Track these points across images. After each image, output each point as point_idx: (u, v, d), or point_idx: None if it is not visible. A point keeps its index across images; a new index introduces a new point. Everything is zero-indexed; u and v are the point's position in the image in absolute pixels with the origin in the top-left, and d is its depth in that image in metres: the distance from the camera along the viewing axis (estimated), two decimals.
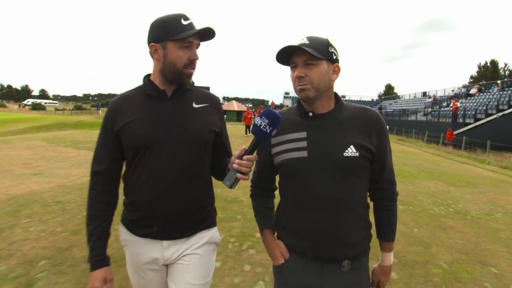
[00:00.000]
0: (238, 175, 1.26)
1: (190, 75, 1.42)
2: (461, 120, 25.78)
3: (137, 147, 1.40)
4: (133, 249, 1.48)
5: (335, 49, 1.36)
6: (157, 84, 1.45)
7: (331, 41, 1.35)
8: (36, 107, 67.60)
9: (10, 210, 4.64)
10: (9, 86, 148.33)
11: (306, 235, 1.34)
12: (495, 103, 25.55)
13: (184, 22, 1.36)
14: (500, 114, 24.13)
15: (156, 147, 1.39)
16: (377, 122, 1.36)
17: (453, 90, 36.08)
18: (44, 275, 2.96)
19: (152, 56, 1.44)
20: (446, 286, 3.14)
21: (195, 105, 1.49)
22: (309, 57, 1.28)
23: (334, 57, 1.34)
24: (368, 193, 1.45)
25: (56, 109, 66.10)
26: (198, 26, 1.41)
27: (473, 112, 25.68)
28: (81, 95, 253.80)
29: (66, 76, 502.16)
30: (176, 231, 1.44)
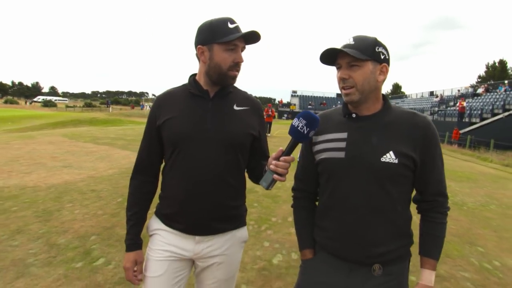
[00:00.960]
0: (275, 176, 1.28)
1: (235, 77, 1.46)
2: (467, 120, 26.06)
3: (175, 143, 1.44)
4: (164, 239, 1.50)
5: (384, 48, 1.31)
6: (202, 84, 1.50)
7: (381, 42, 1.31)
8: (47, 104, 68.99)
9: (53, 196, 5.24)
10: (20, 83, 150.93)
11: (337, 236, 1.34)
12: (502, 102, 25.79)
13: (230, 26, 1.40)
14: (506, 114, 24.38)
15: (193, 145, 1.43)
16: (425, 129, 1.29)
17: (459, 90, 36.26)
18: (97, 246, 3.55)
19: (199, 58, 1.48)
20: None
21: (235, 107, 1.52)
22: (353, 59, 1.26)
23: (382, 57, 1.29)
24: (415, 205, 1.40)
25: (67, 106, 67.42)
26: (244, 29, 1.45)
27: (479, 112, 25.94)
28: (89, 92, 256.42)
29: (75, 73, 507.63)
30: (207, 228, 1.48)
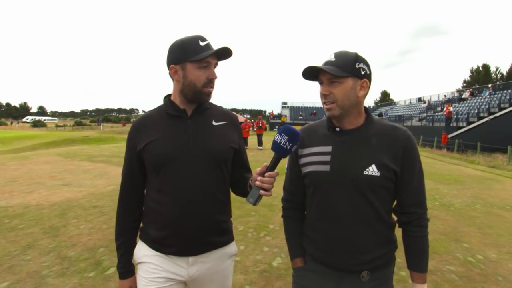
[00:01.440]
0: (261, 192, 1.29)
1: (209, 93, 1.47)
2: (454, 124, 26.72)
3: (159, 165, 1.44)
4: (155, 266, 1.47)
5: (365, 63, 1.35)
6: (178, 104, 1.50)
7: (361, 55, 1.36)
8: (37, 124, 68.55)
9: (57, 213, 5.42)
10: (8, 104, 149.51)
11: (325, 246, 1.38)
12: (486, 106, 26.57)
13: (201, 43, 1.41)
14: (492, 117, 25.13)
15: (178, 165, 1.43)
16: (405, 142, 1.34)
17: (445, 95, 37.17)
18: (106, 257, 3.75)
19: (172, 78, 1.49)
20: None
21: (214, 123, 1.54)
22: (333, 75, 1.30)
23: (363, 72, 1.33)
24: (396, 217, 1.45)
25: (57, 126, 67.07)
26: (214, 43, 1.47)
27: (466, 116, 26.64)
28: (78, 111, 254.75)
29: (63, 92, 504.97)
30: (200, 247, 1.48)
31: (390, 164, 1.31)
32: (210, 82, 1.45)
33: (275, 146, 1.30)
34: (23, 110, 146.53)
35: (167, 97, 1.56)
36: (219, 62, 1.51)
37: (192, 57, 1.39)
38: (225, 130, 1.55)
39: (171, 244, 1.46)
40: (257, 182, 1.29)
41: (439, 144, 21.94)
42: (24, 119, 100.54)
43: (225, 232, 1.57)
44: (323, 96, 1.35)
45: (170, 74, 1.49)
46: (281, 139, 1.29)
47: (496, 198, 7.31)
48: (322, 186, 1.38)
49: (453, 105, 31.38)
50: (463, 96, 34.06)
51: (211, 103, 1.59)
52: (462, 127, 25.71)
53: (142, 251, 1.52)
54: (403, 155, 1.32)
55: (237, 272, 3.47)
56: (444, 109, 29.35)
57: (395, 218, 1.43)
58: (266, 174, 1.29)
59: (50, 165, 10.77)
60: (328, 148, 1.38)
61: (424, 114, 34.59)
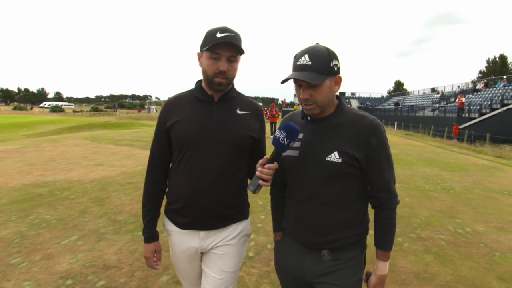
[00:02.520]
0: (260, 181, 1.37)
1: (221, 83, 1.53)
2: (466, 115, 26.83)
3: (182, 144, 1.55)
4: (175, 239, 1.66)
5: (336, 58, 1.38)
6: (206, 89, 1.60)
7: (330, 50, 1.38)
8: (55, 109, 70.31)
9: (99, 187, 6.20)
10: (26, 90, 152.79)
11: (292, 223, 1.52)
12: (500, 98, 26.56)
13: (218, 35, 1.46)
14: (504, 108, 25.15)
15: (199, 146, 1.53)
16: (371, 130, 1.39)
17: (459, 86, 37.01)
18: None
19: None
20: (421, 228, 4.58)
21: (239, 111, 1.63)
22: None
23: (336, 69, 1.38)
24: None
25: (74, 111, 68.69)
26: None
27: (478, 107, 26.69)
28: (93, 97, 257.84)
29: (78, 78, 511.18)
30: (211, 223, 1.59)
31: (352, 151, 1.36)
32: (220, 73, 1.50)
33: (275, 141, 1.38)
34: (41, 95, 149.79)
35: (199, 82, 1.65)
36: None
37: (205, 47, 1.49)
38: (248, 119, 1.63)
39: (184, 215, 1.59)
40: (257, 173, 1.38)
41: (450, 135, 22.20)
42: (42, 105, 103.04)
43: (236, 213, 1.66)
44: (304, 100, 1.39)
45: None
46: (280, 135, 1.36)
47: (495, 184, 7.82)
48: (292, 169, 1.49)
49: (467, 96, 31.37)
50: (477, 87, 33.91)
51: (239, 93, 1.69)
52: (474, 118, 25.83)
53: (166, 225, 1.71)
54: (367, 143, 1.38)
55: (259, 234, 4.16)
56: (457, 100, 29.40)
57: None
58: (266, 166, 1.37)
59: (80, 148, 11.64)
60: (300, 135, 1.46)
61: (437, 105, 34.60)
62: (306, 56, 1.35)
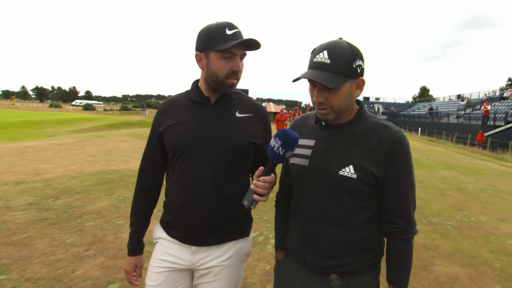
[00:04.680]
0: (255, 196, 1.23)
1: (232, 85, 1.41)
2: (492, 123, 26.88)
3: (175, 150, 1.44)
4: (164, 247, 1.51)
5: (360, 58, 1.18)
6: (203, 91, 1.47)
7: (355, 47, 1.18)
8: (88, 107, 73.75)
9: None
10: (59, 88, 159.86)
11: (297, 243, 1.34)
12: None
13: (228, 32, 1.34)
14: None
15: (192, 152, 1.41)
16: (392, 145, 1.19)
17: (486, 94, 36.78)
18: None
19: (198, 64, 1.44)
20: (432, 216, 5.47)
21: (238, 115, 1.48)
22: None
23: (359, 70, 1.18)
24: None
25: (105, 110, 71.76)
26: (244, 32, 1.38)
27: (504, 115, 26.70)
28: (120, 96, 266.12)
29: (106, 78, 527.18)
30: (204, 238, 1.45)
31: (370, 167, 1.19)
32: (234, 73, 1.39)
33: (270, 150, 1.22)
34: (72, 94, 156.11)
35: (195, 83, 1.53)
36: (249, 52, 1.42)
37: (216, 46, 1.34)
38: (249, 123, 1.49)
39: (176, 228, 1.47)
40: (252, 186, 1.24)
41: (472, 142, 22.48)
42: (73, 102, 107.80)
43: (233, 229, 1.50)
44: (318, 103, 1.22)
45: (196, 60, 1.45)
46: (275, 144, 1.20)
47: (508, 187, 8.53)
48: (299, 181, 1.33)
49: (493, 103, 31.26)
50: (504, 95, 33.66)
51: (239, 93, 1.54)
52: (499, 126, 25.87)
53: (157, 233, 1.56)
54: (388, 158, 1.20)
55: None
56: (482, 108, 29.40)
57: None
58: (261, 178, 1.23)
59: (127, 143, 13.00)
60: (312, 142, 1.31)
61: (462, 112, 34.55)
62: (325, 52, 1.16)
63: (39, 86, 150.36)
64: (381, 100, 61.59)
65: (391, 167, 1.20)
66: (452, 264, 3.72)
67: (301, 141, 1.32)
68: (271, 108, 44.77)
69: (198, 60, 1.43)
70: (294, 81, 1.21)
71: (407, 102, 63.11)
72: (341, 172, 1.20)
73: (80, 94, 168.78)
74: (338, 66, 1.14)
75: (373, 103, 59.97)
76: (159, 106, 1.57)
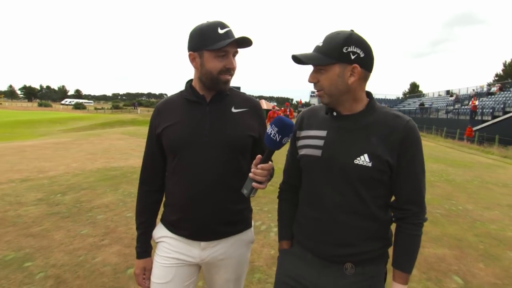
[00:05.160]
0: (254, 184, 1.27)
1: (227, 81, 1.45)
2: (479, 118, 27.54)
3: (175, 150, 1.46)
4: (170, 246, 1.51)
5: (358, 46, 1.21)
6: (198, 90, 1.50)
7: (356, 35, 1.23)
8: (78, 106, 73.22)
9: None
10: (48, 87, 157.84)
11: (310, 233, 1.35)
12: None
13: (220, 31, 1.37)
14: None
15: (192, 151, 1.43)
16: (405, 133, 1.23)
17: (474, 90, 37.58)
18: None
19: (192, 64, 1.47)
20: None
21: (233, 110, 1.52)
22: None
23: (353, 56, 1.21)
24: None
25: (96, 108, 71.25)
26: (235, 30, 1.43)
27: (491, 110, 27.38)
28: (110, 95, 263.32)
29: (95, 76, 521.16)
30: (212, 234, 1.49)
31: (384, 155, 1.22)
32: (227, 70, 1.43)
33: (267, 137, 1.27)
34: (62, 93, 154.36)
35: (189, 82, 1.55)
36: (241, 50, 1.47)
37: (210, 46, 1.37)
38: (245, 117, 1.53)
39: (183, 228, 1.49)
40: (250, 174, 1.29)
41: (461, 136, 23.06)
42: (63, 101, 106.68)
43: (239, 221, 1.56)
44: (313, 85, 1.29)
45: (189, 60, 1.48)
46: (271, 131, 1.25)
47: (494, 178, 8.94)
48: (312, 171, 1.35)
49: (481, 99, 31.98)
50: (492, 90, 34.43)
51: (232, 89, 1.58)
52: (487, 120, 26.53)
53: (160, 232, 1.57)
54: (401, 147, 1.23)
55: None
56: (470, 103, 30.08)
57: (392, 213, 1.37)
58: (259, 166, 1.28)
59: (124, 141, 13.15)
60: (323, 133, 1.33)
61: (451, 107, 35.26)
62: (323, 38, 1.26)
63: (27, 85, 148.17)
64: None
65: (405, 155, 1.24)
66: (440, 246, 4.04)
67: (312, 132, 1.37)
68: (263, 105, 44.61)
69: (192, 59, 1.46)
70: (294, 60, 1.29)
71: (398, 98, 63.82)
72: (356, 161, 1.23)
73: (69, 93, 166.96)
74: (328, 48, 1.22)
75: None
76: (155, 107, 1.59)
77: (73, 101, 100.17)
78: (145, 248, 1.59)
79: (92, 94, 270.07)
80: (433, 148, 16.39)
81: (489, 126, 25.34)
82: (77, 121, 33.22)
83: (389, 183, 1.29)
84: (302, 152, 1.38)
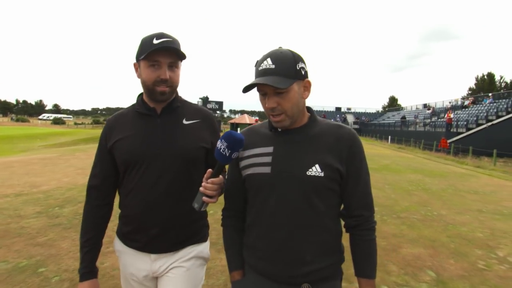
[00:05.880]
0: (204, 198, 1.26)
1: (164, 93, 1.42)
2: (454, 130, 28.83)
3: (127, 163, 1.45)
4: (124, 260, 1.54)
5: (302, 61, 1.25)
6: (148, 102, 1.50)
7: (295, 52, 1.25)
8: (57, 121, 71.92)
9: None
10: (24, 102, 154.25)
11: (264, 255, 1.29)
12: (485, 114, 28.66)
13: (155, 41, 1.36)
14: (489, 124, 27.20)
15: (144, 163, 1.43)
16: (350, 141, 1.28)
17: (450, 102, 39.31)
18: None
19: None
20: (400, 212, 6.25)
21: (185, 122, 1.51)
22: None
23: (303, 72, 1.24)
24: (343, 222, 1.36)
25: (76, 123, 70.22)
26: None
27: (465, 123, 28.73)
28: (89, 109, 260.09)
29: (74, 91, 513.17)
30: (163, 245, 1.48)
31: (334, 163, 1.24)
32: (162, 81, 1.41)
33: (217, 152, 1.26)
34: (39, 107, 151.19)
35: (140, 95, 1.55)
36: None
37: (142, 55, 1.38)
38: (197, 129, 1.52)
39: (134, 239, 1.49)
40: (201, 188, 1.27)
41: (438, 148, 24.08)
42: (41, 116, 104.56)
43: (192, 234, 1.55)
44: (270, 109, 1.23)
45: None
46: (221, 145, 1.24)
47: (466, 186, 9.57)
48: (263, 189, 1.29)
49: (456, 112, 33.50)
50: (465, 104, 36.10)
51: (185, 101, 1.58)
52: (461, 133, 27.82)
53: (117, 245, 1.58)
54: (348, 154, 1.26)
55: None
56: (446, 116, 31.46)
57: (342, 223, 1.37)
58: (209, 180, 1.26)
59: None
60: (270, 149, 1.30)
61: (428, 120, 36.69)
62: (269, 59, 1.22)
63: (2, 99, 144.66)
64: (352, 110, 64.05)
65: (353, 161, 1.28)
66: (416, 246, 4.47)
67: (257, 150, 1.34)
68: (246, 119, 45.25)
69: (136, 69, 1.49)
70: (244, 90, 1.25)
71: (377, 112, 65.84)
72: (308, 172, 1.23)
73: (47, 108, 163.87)
74: (283, 69, 1.20)
75: (344, 113, 62.17)
76: (106, 121, 1.59)
77: (51, 116, 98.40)
78: (90, 268, 1.49)
79: (71, 108, 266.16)
80: (412, 160, 17.15)
81: (464, 138, 26.58)
82: (58, 137, 32.86)
83: (339, 191, 1.30)
84: (249, 171, 1.34)
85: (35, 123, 74.14)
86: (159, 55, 1.38)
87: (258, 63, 1.24)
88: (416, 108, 49.48)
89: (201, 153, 1.52)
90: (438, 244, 4.60)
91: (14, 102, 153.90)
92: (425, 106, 46.76)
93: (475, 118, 28.95)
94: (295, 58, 1.23)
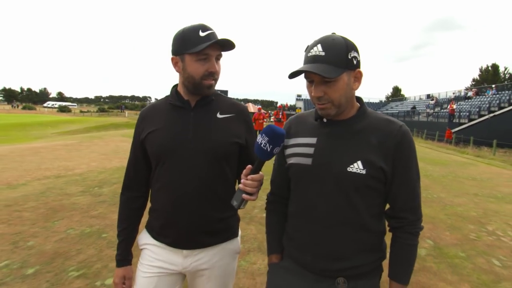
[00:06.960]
0: (244, 195, 1.23)
1: (210, 86, 1.42)
2: (457, 121, 29.32)
3: (158, 156, 1.44)
4: (153, 253, 1.50)
5: (355, 50, 1.19)
6: (182, 95, 1.48)
7: (348, 39, 1.18)
8: (63, 109, 72.73)
9: None
10: (29, 89, 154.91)
11: (301, 246, 1.30)
12: (487, 105, 29.08)
13: (201, 34, 1.35)
14: (491, 115, 27.63)
15: (175, 157, 1.41)
16: (399, 138, 1.19)
17: (453, 93, 39.65)
18: None
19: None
20: None
21: (219, 116, 1.49)
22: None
23: (355, 61, 1.18)
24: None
25: (81, 111, 70.97)
26: (220, 33, 1.38)
27: (468, 114, 29.19)
28: (92, 97, 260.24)
29: (77, 78, 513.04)
30: (194, 242, 1.47)
31: (378, 162, 1.18)
32: (210, 74, 1.40)
33: (257, 147, 1.22)
34: (43, 95, 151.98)
35: (175, 87, 1.54)
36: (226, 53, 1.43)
37: (190, 49, 1.35)
38: (231, 123, 1.49)
39: (166, 235, 1.47)
40: (240, 185, 1.24)
41: (440, 138, 24.63)
42: (46, 104, 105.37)
43: (223, 230, 1.53)
44: (317, 98, 1.19)
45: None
46: (261, 140, 1.20)
47: (465, 173, 10.19)
48: (302, 180, 1.29)
49: (458, 103, 33.90)
50: (469, 95, 36.47)
51: (219, 94, 1.56)
52: (464, 123, 28.29)
53: (144, 239, 1.55)
54: (396, 153, 1.19)
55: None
56: (448, 106, 31.90)
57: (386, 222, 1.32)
58: (249, 177, 1.23)
59: (127, 143, 13.74)
60: (313, 140, 1.28)
61: (431, 110, 37.11)
62: (319, 46, 1.15)
63: (7, 87, 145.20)
64: None
65: (400, 161, 1.20)
66: None
67: (301, 140, 1.32)
68: (251, 108, 45.65)
69: (175, 64, 1.45)
70: (291, 76, 1.20)
71: (381, 102, 65.99)
72: (349, 169, 1.18)
73: (51, 96, 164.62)
74: (333, 57, 1.14)
75: None
76: (140, 113, 1.58)
77: (56, 104, 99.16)
78: (125, 256, 1.56)
79: (74, 96, 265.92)
80: None
81: (466, 128, 27.05)
82: (67, 124, 33.59)
83: (384, 190, 1.25)
84: (291, 161, 1.33)
85: (41, 110, 75.05)
86: (209, 48, 1.36)
87: (308, 49, 1.21)
88: (420, 99, 49.73)
89: (235, 148, 1.50)
90: (437, 220, 5.26)
91: (19, 90, 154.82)
92: (428, 96, 47.03)
93: (477, 109, 29.34)
94: (348, 46, 1.17)
